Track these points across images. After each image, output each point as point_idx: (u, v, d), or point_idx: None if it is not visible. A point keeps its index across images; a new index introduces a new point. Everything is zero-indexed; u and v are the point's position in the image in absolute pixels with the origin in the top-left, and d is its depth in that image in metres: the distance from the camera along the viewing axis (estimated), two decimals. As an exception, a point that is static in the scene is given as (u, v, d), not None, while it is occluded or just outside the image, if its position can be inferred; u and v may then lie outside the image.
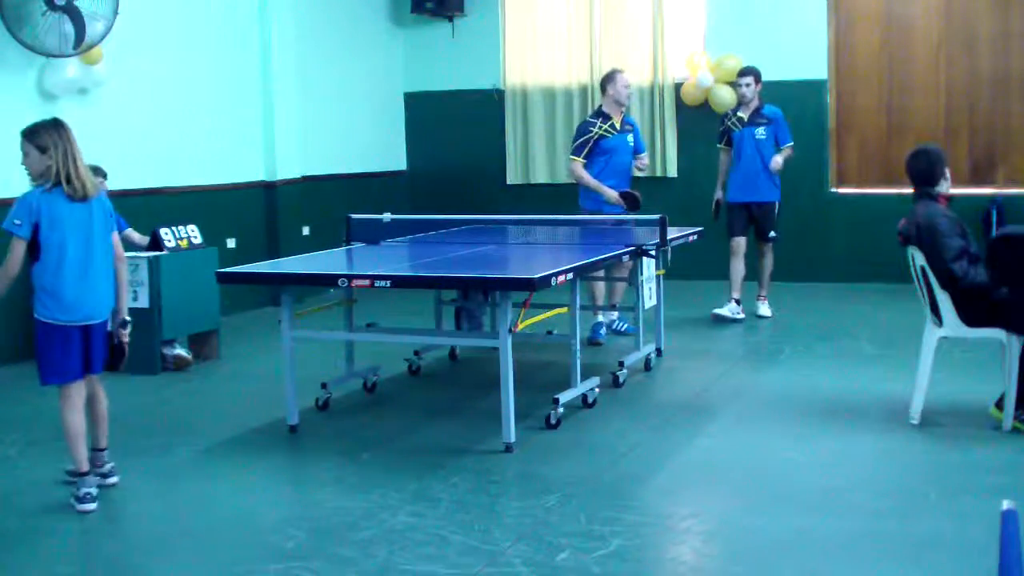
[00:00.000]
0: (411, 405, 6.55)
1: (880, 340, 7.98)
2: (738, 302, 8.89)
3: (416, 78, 12.23)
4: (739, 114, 9.00)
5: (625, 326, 8.28)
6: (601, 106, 8.35)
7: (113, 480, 5.00)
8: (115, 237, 4.99)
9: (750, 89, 8.90)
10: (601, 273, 7.79)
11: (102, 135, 8.31)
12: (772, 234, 8.92)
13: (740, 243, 8.93)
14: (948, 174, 5.70)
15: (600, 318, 8.16)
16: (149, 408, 6.47)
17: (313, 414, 6.22)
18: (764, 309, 8.93)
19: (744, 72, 9.02)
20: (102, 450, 5.04)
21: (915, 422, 5.65)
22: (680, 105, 11.21)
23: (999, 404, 5.61)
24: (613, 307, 8.19)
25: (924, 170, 5.70)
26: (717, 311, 8.89)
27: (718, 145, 9.25)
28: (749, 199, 8.92)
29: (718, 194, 9.21)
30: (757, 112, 8.92)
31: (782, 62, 10.85)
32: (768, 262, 8.97)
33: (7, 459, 5.53)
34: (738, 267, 8.90)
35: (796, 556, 4.08)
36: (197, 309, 7.60)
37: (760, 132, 8.89)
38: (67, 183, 4.77)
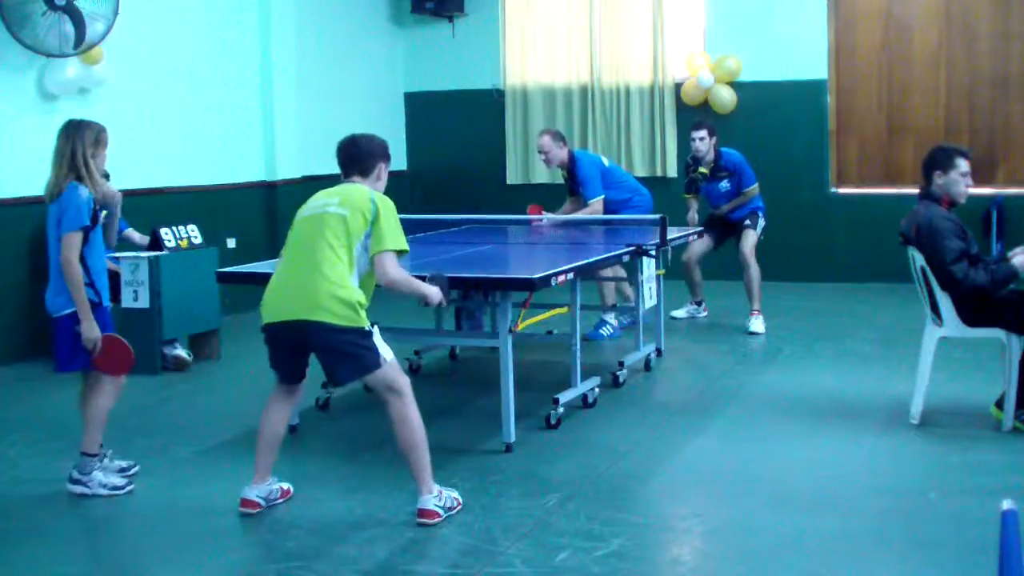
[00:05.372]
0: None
1: (880, 340, 7.98)
2: (699, 303, 9.07)
3: (416, 78, 12.23)
4: (701, 170, 8.75)
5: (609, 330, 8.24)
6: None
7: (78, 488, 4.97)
8: (67, 239, 4.73)
9: (704, 143, 8.63)
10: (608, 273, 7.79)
11: (102, 135, 8.32)
12: (747, 222, 8.66)
13: (695, 251, 8.71)
14: (952, 175, 5.56)
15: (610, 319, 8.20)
16: (149, 408, 6.46)
17: (313, 414, 6.22)
18: (756, 325, 8.42)
19: (697, 125, 8.78)
20: (84, 454, 5.00)
21: (915, 422, 5.65)
22: (680, 105, 11.21)
23: (999, 404, 5.61)
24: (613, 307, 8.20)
25: (921, 167, 5.71)
26: (675, 313, 8.98)
27: (685, 195, 9.01)
28: (728, 218, 8.81)
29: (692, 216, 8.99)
30: (717, 166, 8.68)
31: (782, 62, 10.88)
32: (753, 273, 8.52)
33: (7, 459, 5.53)
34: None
35: (796, 556, 4.08)
36: (197, 309, 7.59)
37: (724, 185, 8.72)
38: None
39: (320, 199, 4.61)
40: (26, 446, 5.73)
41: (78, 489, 4.86)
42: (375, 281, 4.52)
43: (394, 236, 4.43)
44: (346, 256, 4.40)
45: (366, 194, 4.52)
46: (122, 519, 4.72)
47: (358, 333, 4.37)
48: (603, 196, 8.10)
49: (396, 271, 4.45)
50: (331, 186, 4.74)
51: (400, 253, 4.48)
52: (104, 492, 4.87)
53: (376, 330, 4.44)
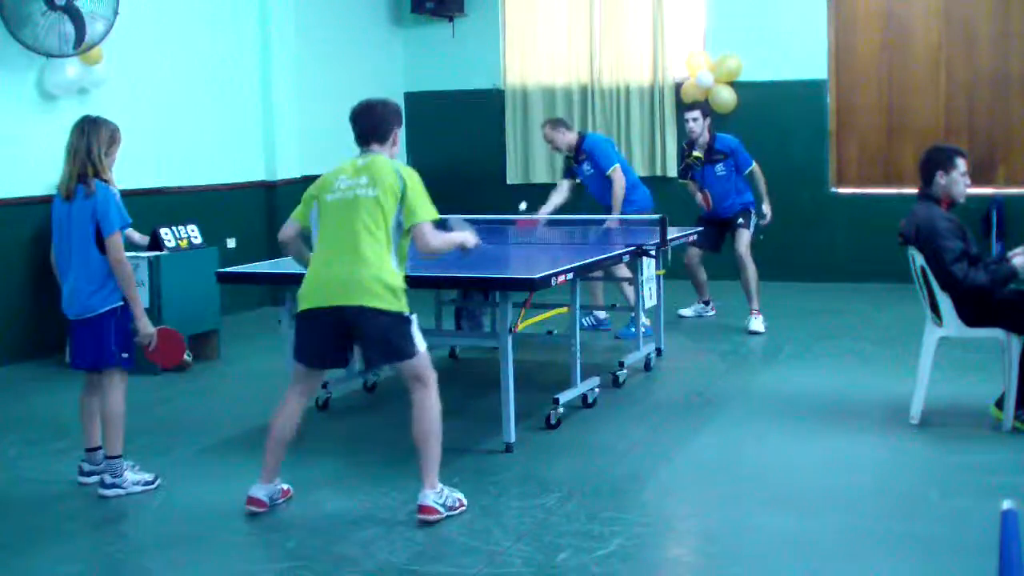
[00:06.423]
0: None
1: (880, 340, 7.98)
2: (706, 303, 9.11)
3: (416, 78, 12.23)
4: (696, 154, 8.69)
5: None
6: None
7: (89, 480, 5.01)
8: (114, 240, 4.79)
9: (697, 124, 8.60)
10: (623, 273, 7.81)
11: (102, 135, 8.32)
12: (740, 220, 8.62)
13: (695, 253, 8.73)
14: (953, 175, 5.56)
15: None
16: (149, 408, 6.45)
17: (313, 414, 6.21)
18: (756, 324, 8.42)
19: (691, 107, 8.85)
20: (89, 450, 5.05)
21: (915, 422, 5.65)
22: (680, 105, 11.18)
23: (999, 404, 5.61)
24: (613, 307, 8.21)
25: (920, 167, 5.70)
26: (682, 311, 9.03)
27: (681, 180, 8.99)
28: (721, 216, 8.74)
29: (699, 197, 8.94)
30: (711, 149, 8.64)
31: (782, 62, 10.88)
32: (750, 273, 8.53)
33: (7, 459, 5.53)
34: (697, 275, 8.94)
35: (796, 556, 4.08)
36: (197, 309, 7.59)
37: (720, 169, 8.66)
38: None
39: (346, 180, 4.54)
40: (26, 446, 5.73)
41: (112, 492, 4.85)
42: (406, 262, 4.58)
43: (425, 207, 4.50)
44: (384, 238, 4.44)
45: (391, 168, 4.52)
46: (122, 519, 4.72)
47: (399, 318, 4.43)
48: (619, 164, 8.30)
49: (435, 239, 4.51)
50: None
51: (434, 223, 4.51)
52: (139, 490, 4.89)
53: (415, 318, 4.47)
